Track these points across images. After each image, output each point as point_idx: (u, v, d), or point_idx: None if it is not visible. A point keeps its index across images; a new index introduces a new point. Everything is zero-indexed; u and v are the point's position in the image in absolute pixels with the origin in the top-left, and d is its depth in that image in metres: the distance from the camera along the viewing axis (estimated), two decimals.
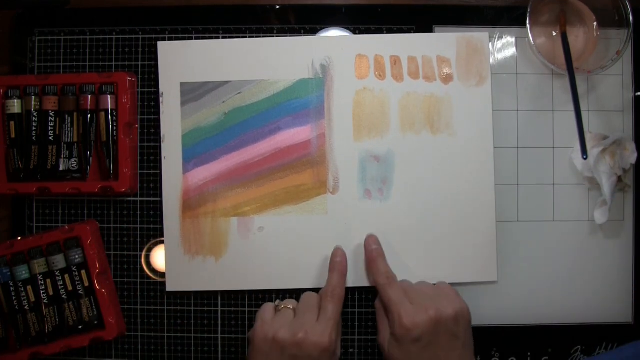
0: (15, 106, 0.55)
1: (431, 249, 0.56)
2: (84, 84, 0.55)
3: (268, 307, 0.53)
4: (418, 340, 0.48)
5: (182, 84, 0.57)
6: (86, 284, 0.55)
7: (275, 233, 0.57)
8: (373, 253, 0.54)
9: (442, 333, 0.49)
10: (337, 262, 0.54)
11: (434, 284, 0.54)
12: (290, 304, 0.53)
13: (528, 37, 0.54)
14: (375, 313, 0.54)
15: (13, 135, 0.55)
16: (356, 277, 0.57)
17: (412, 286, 0.53)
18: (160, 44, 0.57)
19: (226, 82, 0.57)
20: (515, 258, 0.57)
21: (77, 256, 0.55)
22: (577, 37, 0.56)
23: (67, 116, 0.55)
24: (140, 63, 0.58)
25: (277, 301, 0.54)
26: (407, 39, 0.57)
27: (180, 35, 0.58)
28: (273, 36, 0.58)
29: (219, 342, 0.58)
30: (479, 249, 0.56)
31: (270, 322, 0.51)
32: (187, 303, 0.58)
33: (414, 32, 0.58)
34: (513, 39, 0.58)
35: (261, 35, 0.58)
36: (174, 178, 0.57)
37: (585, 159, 0.52)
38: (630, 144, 0.56)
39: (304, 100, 0.57)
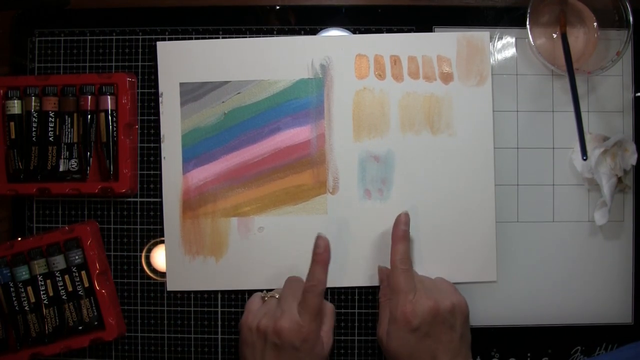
0: (15, 107, 0.55)
1: (431, 248, 0.56)
2: (83, 84, 0.55)
3: (255, 297, 0.54)
4: (416, 330, 0.49)
5: (181, 84, 0.57)
6: (86, 285, 0.55)
7: (275, 233, 0.57)
8: (400, 232, 0.53)
9: (439, 324, 0.49)
10: (319, 254, 0.51)
11: (433, 279, 0.55)
12: (277, 293, 0.53)
13: (528, 37, 0.54)
14: (378, 306, 0.54)
15: (13, 136, 0.55)
16: (356, 277, 0.57)
17: (414, 274, 0.54)
18: (159, 43, 0.57)
19: (226, 82, 0.57)
20: (515, 258, 0.57)
21: (77, 257, 0.55)
22: (577, 38, 0.56)
23: (67, 117, 0.55)
24: (140, 63, 0.58)
25: (264, 291, 0.55)
26: (407, 39, 0.57)
27: (180, 36, 0.58)
28: (273, 36, 0.58)
29: (219, 343, 0.58)
30: (478, 249, 0.56)
31: (255, 312, 0.52)
32: (187, 303, 0.58)
33: (414, 32, 0.58)
34: (513, 40, 0.58)
35: (261, 35, 0.58)
36: (174, 178, 0.57)
37: (585, 159, 0.52)
38: (630, 145, 0.56)
39: (304, 101, 0.57)
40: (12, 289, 0.54)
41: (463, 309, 0.51)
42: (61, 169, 0.56)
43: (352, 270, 0.57)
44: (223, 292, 0.58)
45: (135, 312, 0.58)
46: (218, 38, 0.58)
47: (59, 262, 0.55)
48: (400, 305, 0.50)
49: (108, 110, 0.55)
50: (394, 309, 0.50)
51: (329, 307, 0.54)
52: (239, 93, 0.57)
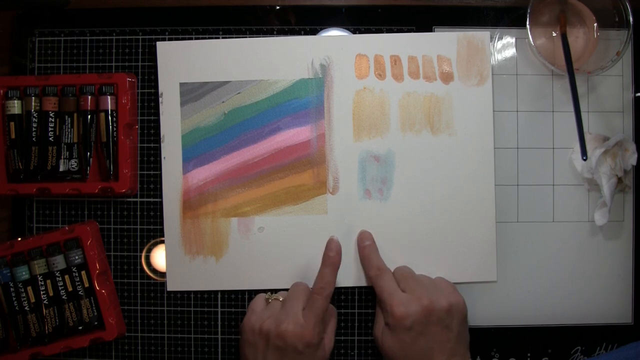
0: (15, 107, 0.55)
1: (431, 249, 0.56)
2: (84, 84, 0.55)
3: (259, 298, 0.54)
4: (410, 329, 0.49)
5: (181, 84, 0.57)
6: (86, 285, 0.55)
7: (275, 233, 0.57)
8: (366, 249, 0.55)
9: (434, 323, 0.49)
10: (330, 257, 0.52)
11: (433, 278, 0.55)
12: (281, 296, 0.53)
13: (528, 37, 0.54)
14: (376, 307, 0.54)
15: (13, 136, 0.55)
16: (357, 277, 0.57)
17: (411, 274, 0.54)
18: (159, 44, 0.57)
19: (226, 82, 0.57)
20: (515, 259, 0.57)
21: (77, 257, 0.55)
22: (577, 38, 0.56)
23: (67, 117, 0.55)
24: (140, 64, 0.58)
25: (269, 293, 0.54)
26: (407, 39, 0.57)
27: (180, 36, 0.58)
28: (273, 36, 0.58)
29: (219, 343, 0.58)
30: (478, 249, 0.56)
31: (259, 313, 0.52)
32: (187, 303, 0.58)
33: (414, 32, 0.58)
34: (513, 40, 0.58)
35: (261, 35, 0.58)
36: (174, 178, 0.57)
37: (585, 160, 0.52)
38: (630, 145, 0.56)
39: (304, 101, 0.57)
40: (12, 289, 0.54)
41: (461, 309, 0.51)
42: (61, 169, 0.56)
43: (352, 270, 0.57)
44: (223, 292, 0.58)
45: (135, 312, 0.58)
46: (218, 38, 0.58)
47: (59, 262, 0.55)
48: (390, 306, 0.50)
49: (108, 110, 0.55)
50: (385, 310, 0.51)
51: (332, 310, 0.54)
52: (239, 93, 0.57)
